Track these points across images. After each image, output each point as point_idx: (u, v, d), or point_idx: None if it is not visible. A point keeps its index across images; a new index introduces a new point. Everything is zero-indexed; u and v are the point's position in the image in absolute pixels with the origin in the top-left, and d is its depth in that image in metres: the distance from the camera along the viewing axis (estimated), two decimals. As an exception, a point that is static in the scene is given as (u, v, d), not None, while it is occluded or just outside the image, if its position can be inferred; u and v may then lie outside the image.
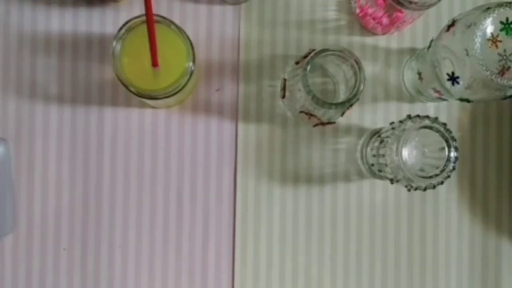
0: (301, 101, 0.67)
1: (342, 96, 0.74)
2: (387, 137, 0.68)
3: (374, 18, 0.74)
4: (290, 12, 0.77)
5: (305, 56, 0.67)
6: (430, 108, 0.77)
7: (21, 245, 0.75)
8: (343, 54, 0.65)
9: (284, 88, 0.72)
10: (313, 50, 0.66)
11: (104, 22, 0.76)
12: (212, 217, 0.76)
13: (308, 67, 0.65)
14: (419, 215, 0.77)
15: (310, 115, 0.69)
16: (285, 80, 0.72)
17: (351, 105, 0.67)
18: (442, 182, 0.65)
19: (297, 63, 0.69)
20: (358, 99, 0.65)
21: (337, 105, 0.65)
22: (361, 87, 0.65)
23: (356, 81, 0.66)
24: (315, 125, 0.72)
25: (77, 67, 0.76)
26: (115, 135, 0.76)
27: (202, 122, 0.76)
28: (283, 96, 0.72)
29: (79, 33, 0.76)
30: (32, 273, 0.75)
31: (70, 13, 0.76)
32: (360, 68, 0.65)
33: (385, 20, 0.73)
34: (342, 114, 0.69)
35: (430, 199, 0.77)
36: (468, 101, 0.65)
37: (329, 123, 0.70)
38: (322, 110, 0.67)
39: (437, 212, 0.77)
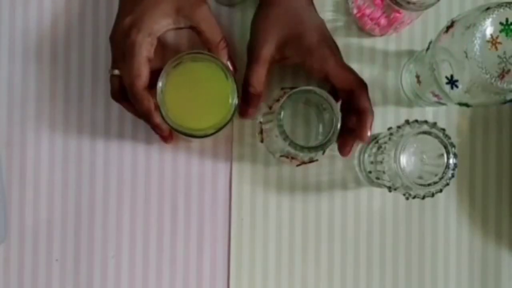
0: (280, 145, 0.66)
1: (320, 136, 0.73)
2: (385, 143, 0.67)
3: (371, 19, 0.73)
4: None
5: (278, 99, 0.66)
6: (429, 113, 0.77)
7: (13, 256, 0.74)
8: (317, 95, 0.65)
9: (261, 132, 0.71)
10: (283, 89, 0.66)
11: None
12: (207, 226, 0.75)
13: (282, 114, 0.64)
14: (417, 223, 0.76)
15: (292, 158, 0.68)
16: (261, 123, 0.71)
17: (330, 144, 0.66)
18: (441, 190, 0.64)
19: (270, 107, 0.68)
20: (336, 139, 0.65)
21: (316, 148, 0.65)
22: (338, 127, 0.65)
23: (333, 121, 0.65)
24: (298, 165, 0.71)
25: (69, 73, 0.75)
26: (108, 144, 0.75)
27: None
28: (261, 140, 0.72)
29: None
30: (24, 285, 0.74)
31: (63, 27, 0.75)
32: (333, 109, 0.65)
33: (383, 21, 0.73)
34: (323, 152, 0.68)
35: (429, 207, 0.76)
36: (467, 105, 0.64)
37: (312, 161, 0.69)
38: (301, 154, 0.66)
39: (436, 220, 0.76)
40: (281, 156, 0.69)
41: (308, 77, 0.75)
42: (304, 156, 0.67)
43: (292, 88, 0.66)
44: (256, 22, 0.70)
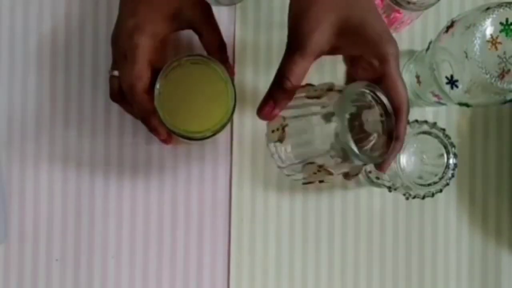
0: (318, 150, 0.55)
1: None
2: (385, 143, 0.66)
3: (372, 19, 0.73)
4: (286, 12, 0.75)
5: (330, 89, 0.56)
6: (429, 113, 0.77)
7: (13, 256, 0.74)
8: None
9: (280, 130, 0.58)
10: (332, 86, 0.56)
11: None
12: (207, 226, 0.75)
13: (346, 107, 0.53)
14: (417, 224, 0.76)
15: (324, 170, 0.56)
16: (284, 119, 0.58)
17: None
18: (441, 190, 0.64)
19: (309, 97, 0.57)
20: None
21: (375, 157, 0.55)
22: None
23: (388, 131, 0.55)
24: (307, 183, 0.60)
25: (69, 73, 0.75)
26: (108, 144, 0.75)
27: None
28: (280, 140, 0.58)
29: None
30: (24, 285, 0.74)
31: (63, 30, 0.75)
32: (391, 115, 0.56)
33: (383, 21, 0.72)
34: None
35: (429, 207, 0.76)
36: (467, 105, 0.64)
37: (322, 181, 0.59)
38: (354, 161, 0.55)
39: (436, 221, 0.76)
40: (311, 165, 0.56)
41: (347, 74, 0.63)
42: (343, 166, 0.56)
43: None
44: (302, 3, 0.57)
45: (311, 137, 0.55)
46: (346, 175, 0.58)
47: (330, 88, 0.55)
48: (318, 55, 0.57)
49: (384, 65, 0.55)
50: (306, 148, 0.57)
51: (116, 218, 0.74)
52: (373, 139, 0.55)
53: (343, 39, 0.56)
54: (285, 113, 0.57)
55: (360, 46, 0.56)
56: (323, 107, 0.54)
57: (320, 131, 0.54)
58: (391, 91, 0.55)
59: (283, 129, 0.57)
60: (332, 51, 0.57)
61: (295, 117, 0.57)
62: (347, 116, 0.51)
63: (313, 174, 0.57)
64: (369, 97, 0.55)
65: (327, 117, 0.53)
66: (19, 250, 0.74)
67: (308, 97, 0.56)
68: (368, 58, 0.56)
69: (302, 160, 0.57)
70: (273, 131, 0.58)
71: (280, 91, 0.56)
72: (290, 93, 0.56)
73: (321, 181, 0.58)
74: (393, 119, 0.55)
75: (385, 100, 0.55)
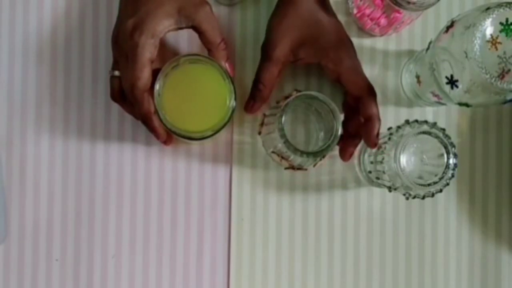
0: (276, 143, 0.67)
1: (320, 142, 0.73)
2: (385, 143, 0.67)
3: (371, 19, 0.73)
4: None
5: (287, 97, 0.67)
6: (429, 113, 0.77)
7: (13, 256, 0.74)
8: (320, 101, 0.67)
9: (262, 124, 0.71)
10: (297, 90, 0.67)
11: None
12: (207, 226, 0.75)
13: (284, 116, 0.65)
14: (417, 223, 0.76)
15: (282, 157, 0.69)
16: (265, 116, 0.71)
17: (323, 156, 0.67)
18: (441, 190, 0.64)
19: (277, 102, 0.69)
20: (333, 148, 0.66)
21: (308, 154, 0.66)
22: (338, 136, 0.66)
23: (332, 130, 0.66)
24: (286, 168, 0.71)
25: (69, 74, 0.75)
26: (108, 145, 0.75)
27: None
28: (259, 132, 0.72)
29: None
30: (24, 285, 0.74)
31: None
32: (336, 118, 0.66)
33: (383, 21, 0.72)
34: (314, 165, 0.70)
35: (429, 207, 0.76)
36: (467, 105, 0.64)
37: (300, 169, 0.70)
38: (293, 156, 0.67)
39: (436, 220, 0.76)
40: (272, 152, 0.69)
41: (320, 79, 0.76)
42: (295, 159, 0.67)
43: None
44: (273, 21, 0.70)
45: (272, 131, 0.67)
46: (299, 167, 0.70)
47: (287, 96, 0.67)
48: (283, 63, 0.70)
49: (338, 66, 0.69)
50: (270, 139, 0.69)
51: (116, 218, 0.74)
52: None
53: (303, 51, 0.69)
54: (266, 111, 0.71)
55: (316, 55, 0.69)
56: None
57: (275, 127, 0.66)
58: (348, 85, 0.69)
59: (262, 123, 0.71)
60: (297, 60, 0.71)
61: (269, 115, 0.70)
62: (283, 118, 0.66)
63: (280, 161, 0.70)
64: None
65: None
66: (19, 250, 0.74)
67: (277, 102, 0.69)
68: (325, 63, 0.69)
69: (273, 149, 0.69)
70: (259, 125, 0.72)
71: (256, 92, 0.71)
72: (264, 92, 0.71)
73: (298, 168, 0.70)
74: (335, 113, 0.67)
75: (321, 97, 0.67)
